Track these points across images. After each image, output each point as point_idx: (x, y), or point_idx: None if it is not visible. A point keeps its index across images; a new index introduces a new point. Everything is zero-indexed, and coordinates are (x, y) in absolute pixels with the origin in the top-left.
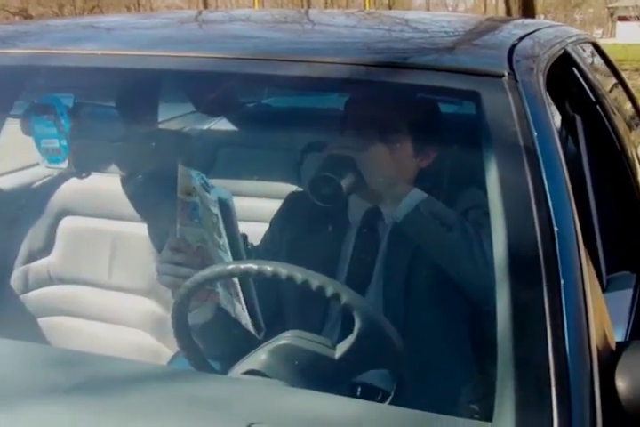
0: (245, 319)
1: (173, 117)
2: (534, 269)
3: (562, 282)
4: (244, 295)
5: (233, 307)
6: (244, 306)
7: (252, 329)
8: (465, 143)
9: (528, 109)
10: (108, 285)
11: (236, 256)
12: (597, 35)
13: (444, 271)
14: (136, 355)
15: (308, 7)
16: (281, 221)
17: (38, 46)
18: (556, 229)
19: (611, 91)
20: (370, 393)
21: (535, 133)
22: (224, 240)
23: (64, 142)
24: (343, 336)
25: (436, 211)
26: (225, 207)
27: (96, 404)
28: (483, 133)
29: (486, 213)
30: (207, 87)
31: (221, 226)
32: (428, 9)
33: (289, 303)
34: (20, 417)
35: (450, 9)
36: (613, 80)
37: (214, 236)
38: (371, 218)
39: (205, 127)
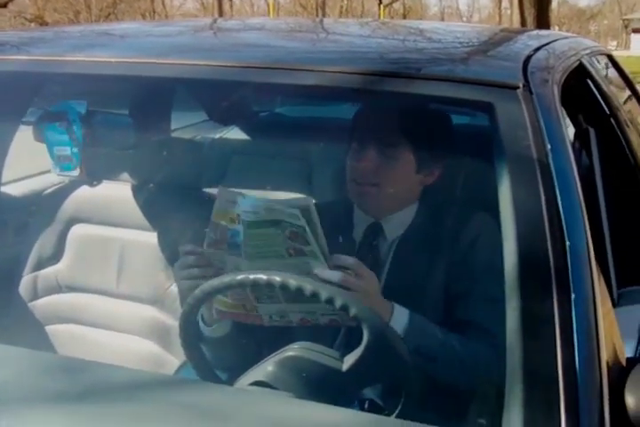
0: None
1: (186, 126)
2: (545, 282)
3: (573, 296)
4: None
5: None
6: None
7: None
8: (477, 155)
9: (542, 122)
10: (116, 293)
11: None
12: (612, 46)
13: (448, 286)
14: (143, 364)
15: (323, 16)
16: None
17: (52, 53)
18: (567, 243)
19: (625, 103)
20: (377, 407)
21: (549, 146)
22: (313, 247)
23: (76, 150)
24: (351, 349)
25: (435, 230)
26: (307, 213)
27: (101, 412)
28: (495, 145)
29: (491, 230)
30: (220, 96)
31: (308, 234)
32: (442, 18)
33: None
34: (25, 424)
35: (464, 19)
36: (627, 92)
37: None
38: (373, 233)
39: (218, 136)
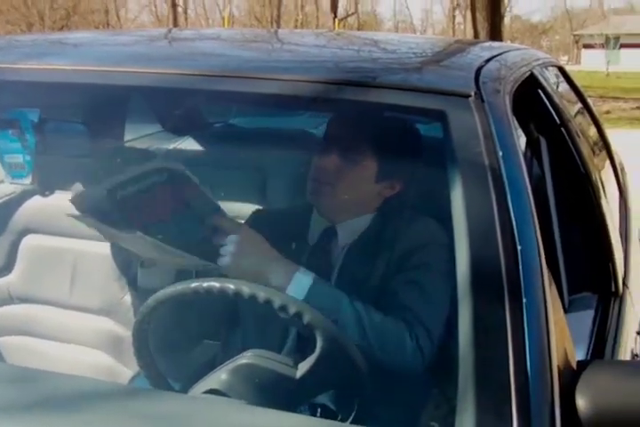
0: None
1: (140, 136)
2: (497, 287)
3: (524, 300)
4: None
5: None
6: None
7: None
8: (430, 162)
9: (494, 129)
10: (69, 304)
11: None
12: (563, 61)
13: (392, 293)
14: (95, 375)
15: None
16: None
17: (4, 61)
18: (519, 247)
19: (576, 116)
20: (330, 413)
21: (500, 153)
22: None
23: (28, 158)
24: (305, 356)
25: (386, 237)
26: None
27: (52, 422)
28: (448, 152)
29: (441, 238)
30: (174, 104)
31: None
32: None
33: (250, 322)
34: None
35: (418, 34)
36: (579, 105)
37: None
38: (327, 238)
39: (171, 146)
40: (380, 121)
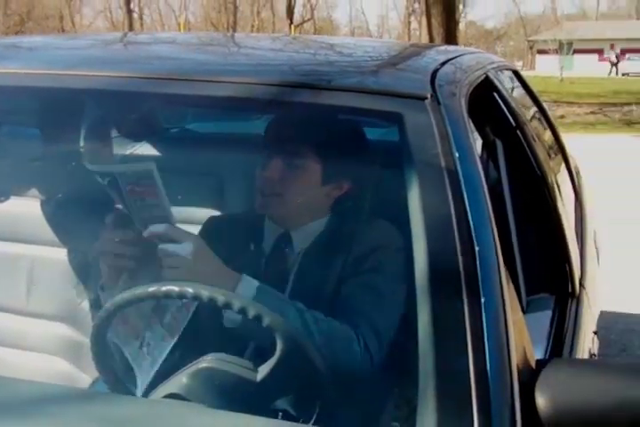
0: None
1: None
2: (455, 287)
3: (483, 300)
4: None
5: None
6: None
7: None
8: (387, 164)
9: (450, 131)
10: (26, 311)
11: None
12: (518, 67)
13: (347, 297)
14: (54, 382)
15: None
16: None
17: None
18: (477, 248)
19: (531, 119)
20: (291, 417)
21: (457, 155)
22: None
23: None
24: (265, 359)
25: (341, 241)
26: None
27: None
28: (405, 154)
29: (397, 240)
30: (130, 108)
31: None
32: None
33: (210, 325)
34: None
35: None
36: (534, 108)
37: None
38: (282, 243)
39: (128, 152)
40: (323, 123)
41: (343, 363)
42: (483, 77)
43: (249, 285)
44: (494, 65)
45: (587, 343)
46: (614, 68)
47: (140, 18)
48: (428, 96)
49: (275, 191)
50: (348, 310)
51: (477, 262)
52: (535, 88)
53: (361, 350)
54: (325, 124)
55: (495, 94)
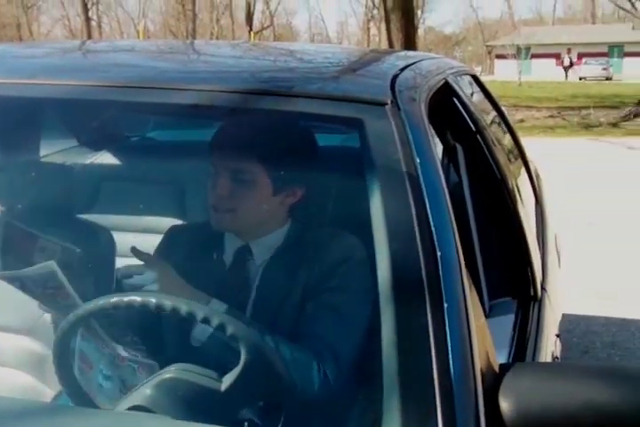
0: None
1: (55, 151)
2: (418, 292)
3: (445, 305)
4: None
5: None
6: None
7: None
8: (347, 171)
9: (410, 137)
10: None
11: None
12: (477, 71)
13: (312, 319)
14: (17, 396)
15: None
16: (161, 256)
17: None
18: (438, 253)
19: (491, 123)
20: (257, 425)
21: (418, 160)
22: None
23: None
24: (229, 369)
25: (302, 251)
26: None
27: None
28: (366, 160)
29: (358, 248)
30: (89, 117)
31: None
32: None
33: (174, 335)
34: None
35: None
36: (493, 113)
37: None
38: (242, 256)
39: (88, 161)
40: (271, 131)
41: (301, 388)
42: (442, 82)
43: (218, 307)
44: (453, 70)
45: (549, 347)
46: (568, 72)
47: (99, 26)
48: (389, 102)
49: (227, 207)
50: (310, 334)
51: (440, 268)
52: (494, 92)
53: (320, 377)
54: (273, 131)
55: (455, 99)
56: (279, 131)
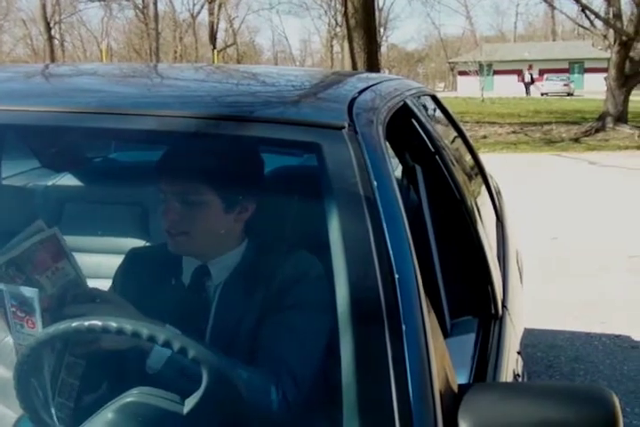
0: None
1: (17, 173)
2: (376, 315)
3: (403, 328)
4: None
5: None
6: None
7: None
8: (306, 190)
9: (368, 160)
10: None
11: None
12: (440, 88)
13: (276, 340)
14: None
15: (157, 61)
16: (122, 278)
17: None
18: (396, 276)
19: (451, 143)
20: None
21: (375, 183)
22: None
23: None
24: (191, 392)
25: (258, 271)
26: None
27: None
28: (324, 184)
29: (314, 268)
30: (51, 141)
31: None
32: (276, 63)
33: (135, 359)
34: None
35: (297, 63)
36: (453, 132)
37: None
38: (200, 276)
39: (50, 183)
40: (215, 151)
41: (260, 411)
42: (401, 104)
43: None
44: (413, 91)
45: (511, 364)
46: (530, 88)
47: (62, 45)
48: (346, 125)
49: (180, 231)
50: (268, 355)
51: (398, 291)
52: (457, 109)
53: (278, 399)
54: (217, 151)
55: (413, 120)
56: (224, 151)
